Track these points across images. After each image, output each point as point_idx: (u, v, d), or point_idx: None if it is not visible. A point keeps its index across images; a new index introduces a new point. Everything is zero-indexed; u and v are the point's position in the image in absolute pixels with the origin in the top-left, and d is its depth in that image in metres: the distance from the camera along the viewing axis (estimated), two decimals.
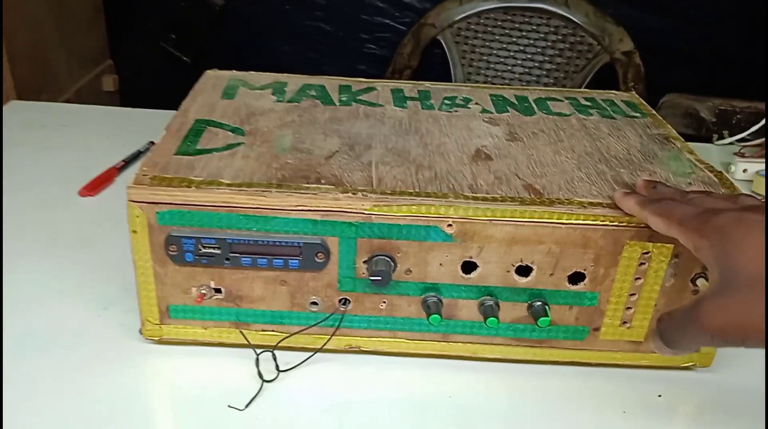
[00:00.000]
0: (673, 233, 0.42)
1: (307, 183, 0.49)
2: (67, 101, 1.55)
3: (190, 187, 0.47)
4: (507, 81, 1.57)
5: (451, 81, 1.56)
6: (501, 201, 0.48)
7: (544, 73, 1.56)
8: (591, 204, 0.48)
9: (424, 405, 0.51)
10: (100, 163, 0.81)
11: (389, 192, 0.48)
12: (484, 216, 0.48)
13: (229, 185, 0.48)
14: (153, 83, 1.76)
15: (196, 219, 0.48)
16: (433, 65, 1.60)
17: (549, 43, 1.54)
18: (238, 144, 0.54)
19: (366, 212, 0.48)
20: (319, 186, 0.48)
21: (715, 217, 0.38)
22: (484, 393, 0.53)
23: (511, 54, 1.57)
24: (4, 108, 0.96)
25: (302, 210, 0.48)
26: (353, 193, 0.48)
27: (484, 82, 1.55)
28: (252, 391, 0.50)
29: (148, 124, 0.92)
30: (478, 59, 1.58)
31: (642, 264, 0.50)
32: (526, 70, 1.58)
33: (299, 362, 0.53)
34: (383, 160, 0.53)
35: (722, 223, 0.37)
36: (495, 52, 1.58)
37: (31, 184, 0.77)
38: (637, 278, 0.50)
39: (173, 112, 0.60)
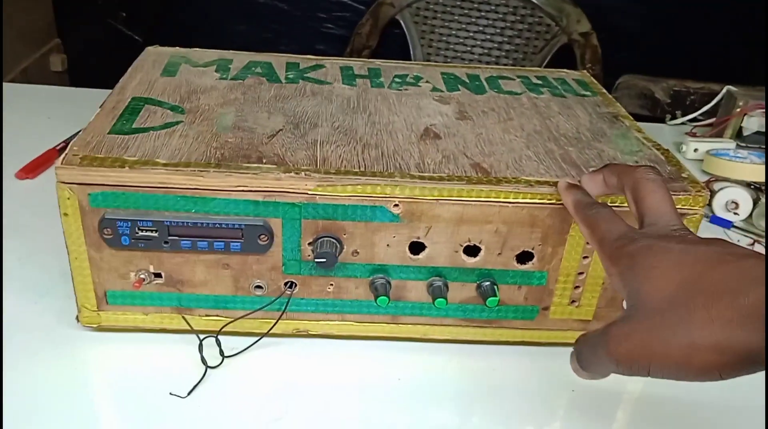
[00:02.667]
0: (593, 247, 0.41)
1: (248, 162, 0.47)
2: (12, 81, 1.49)
3: (124, 167, 0.45)
4: (467, 62, 1.56)
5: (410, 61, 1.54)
6: (448, 180, 0.47)
7: (504, 53, 1.56)
8: (538, 182, 0.48)
9: (374, 388, 0.50)
10: (42, 145, 0.77)
11: (333, 171, 0.47)
12: (431, 196, 0.47)
13: (165, 165, 0.46)
14: (102, 62, 1.69)
15: (131, 200, 0.46)
16: (392, 46, 1.58)
17: (508, 24, 1.53)
18: (177, 122, 0.52)
19: (310, 193, 0.46)
20: (261, 165, 0.47)
21: (629, 244, 0.37)
22: (435, 375, 0.52)
23: (471, 34, 1.56)
24: None
25: (243, 190, 0.46)
26: (296, 173, 0.46)
27: (443, 62, 1.54)
28: (196, 379, 0.49)
29: (95, 104, 0.87)
30: (438, 39, 1.57)
31: (589, 243, 0.49)
32: (486, 50, 1.57)
33: (245, 347, 0.51)
34: (329, 139, 0.52)
35: (633, 251, 0.36)
36: (454, 32, 1.57)
37: None
38: (584, 257, 0.50)
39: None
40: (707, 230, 0.73)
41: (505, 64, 1.54)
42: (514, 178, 0.48)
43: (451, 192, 0.47)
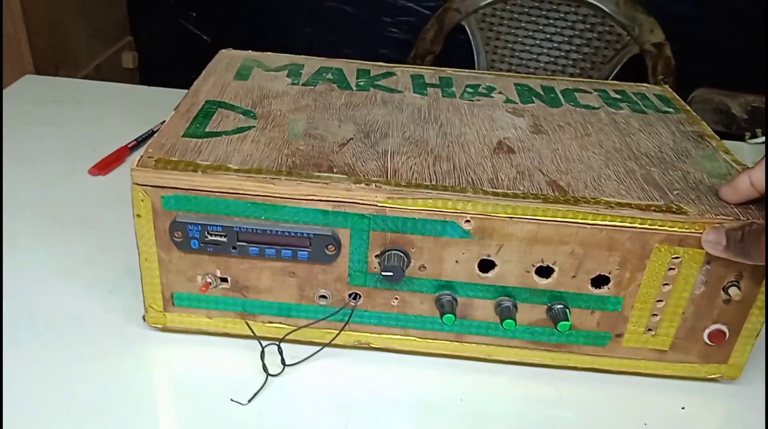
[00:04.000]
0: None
1: (319, 171, 0.46)
2: (86, 77, 1.54)
3: (197, 171, 0.45)
4: (532, 70, 1.53)
5: (474, 68, 1.52)
6: (522, 198, 0.46)
7: (571, 62, 1.52)
8: (618, 204, 0.46)
9: (434, 407, 0.49)
10: (113, 142, 0.79)
11: (404, 184, 0.46)
12: (504, 213, 0.45)
13: (236, 171, 0.46)
14: (172, 61, 1.74)
15: (203, 205, 0.46)
16: (456, 51, 1.56)
17: (576, 32, 1.49)
18: (249, 127, 0.52)
19: (379, 205, 0.45)
20: (331, 175, 0.46)
21: None
22: (498, 397, 0.50)
23: (537, 42, 1.53)
24: (18, 82, 0.95)
25: (313, 199, 0.45)
26: (366, 184, 0.45)
27: (509, 71, 1.51)
28: (256, 385, 0.48)
29: (165, 103, 0.89)
30: (503, 47, 1.54)
31: (671, 269, 0.47)
32: (552, 59, 1.53)
33: (306, 357, 0.51)
34: (400, 149, 0.51)
35: None
36: (521, 39, 1.54)
37: (40, 160, 0.75)
38: (665, 284, 0.47)
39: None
40: None
41: (572, 74, 1.50)
42: (593, 198, 0.46)
43: (525, 210, 0.45)
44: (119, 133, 0.81)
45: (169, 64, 1.80)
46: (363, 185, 0.45)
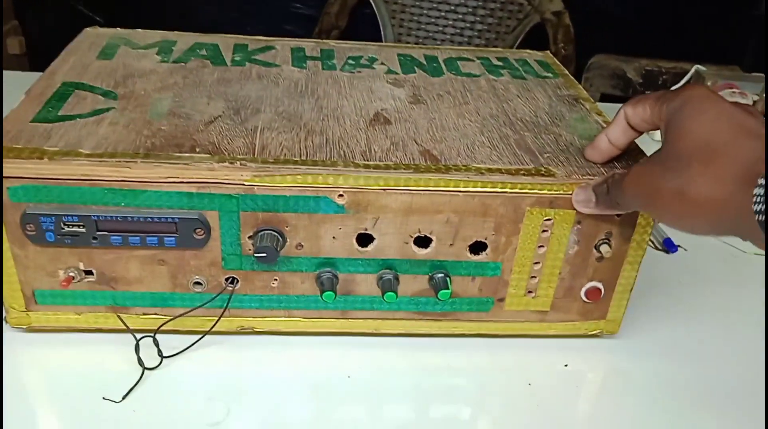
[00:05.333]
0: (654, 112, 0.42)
1: (180, 152, 0.44)
2: None
3: (43, 158, 0.42)
4: (438, 42, 1.53)
5: (381, 42, 1.51)
6: (394, 169, 0.45)
7: (476, 33, 1.53)
8: (489, 170, 0.45)
9: (322, 387, 0.48)
10: None
11: (272, 161, 0.44)
12: (376, 185, 0.44)
13: (88, 156, 0.43)
14: (63, 46, 1.64)
15: (54, 194, 0.43)
16: (362, 26, 1.54)
17: (480, 2, 1.50)
18: (108, 109, 0.48)
19: (246, 183, 0.43)
20: (193, 155, 0.44)
21: (688, 89, 0.40)
22: (388, 370, 0.50)
23: (442, 14, 1.53)
24: None
25: (173, 182, 0.43)
26: (231, 163, 0.43)
27: (416, 44, 1.51)
28: (133, 381, 0.46)
29: None
30: (409, 19, 1.53)
31: (544, 231, 0.47)
32: (458, 30, 1.54)
33: (186, 347, 0.49)
34: (271, 125, 0.49)
35: (689, 94, 0.40)
36: (426, 11, 1.53)
37: None
38: (540, 246, 0.48)
39: None
40: None
41: (477, 45, 1.51)
42: (464, 165, 0.46)
43: (398, 181, 0.44)
44: None
45: (60, 48, 1.70)
46: (227, 164, 0.43)
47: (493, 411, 0.48)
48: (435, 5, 1.52)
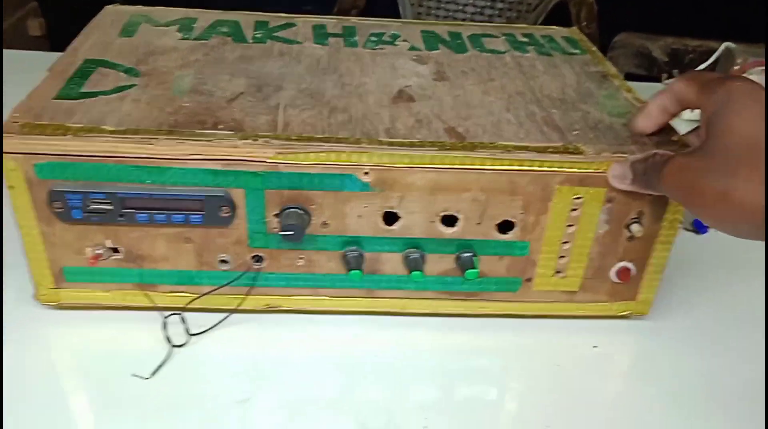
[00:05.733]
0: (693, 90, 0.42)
1: (203, 128, 0.44)
2: None
3: (66, 134, 0.42)
4: (459, 21, 1.51)
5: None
6: (419, 146, 0.44)
7: (497, 12, 1.51)
8: (516, 148, 0.44)
9: (350, 365, 0.48)
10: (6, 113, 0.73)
11: (295, 138, 0.44)
12: (401, 163, 0.44)
13: (111, 132, 0.42)
14: (82, 27, 1.64)
15: (80, 171, 0.43)
16: (381, 5, 1.53)
17: None
18: (130, 86, 0.48)
19: (269, 161, 0.43)
20: (216, 132, 0.43)
21: (729, 81, 0.39)
22: (413, 350, 0.50)
23: None
24: None
25: (197, 159, 0.43)
26: (254, 140, 0.43)
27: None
28: (160, 358, 0.46)
29: None
30: None
31: (574, 210, 0.46)
32: (478, 9, 1.51)
33: (213, 325, 0.49)
34: (293, 102, 0.48)
35: (733, 87, 0.38)
36: None
37: None
38: (569, 225, 0.47)
39: None
40: None
41: (498, 23, 1.49)
42: (491, 143, 0.45)
43: (423, 159, 0.44)
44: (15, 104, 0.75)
45: (80, 29, 1.71)
46: (250, 141, 0.43)
47: (520, 392, 0.47)
48: None
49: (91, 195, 0.43)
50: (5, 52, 0.97)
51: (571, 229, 0.47)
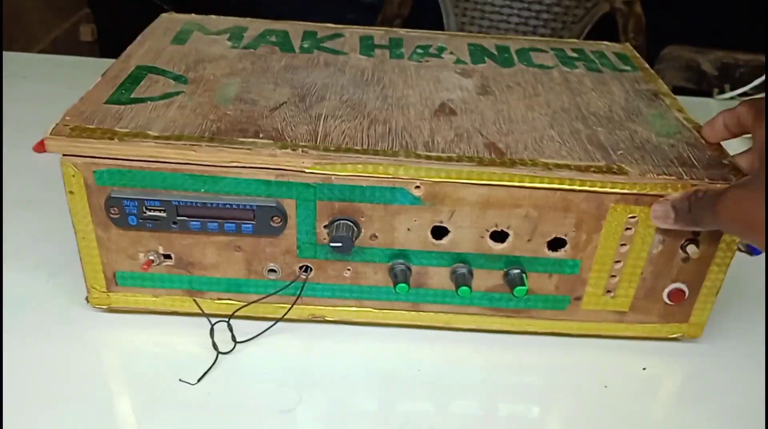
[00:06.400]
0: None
1: (244, 137, 0.44)
2: (42, 52, 1.49)
3: (113, 139, 0.43)
4: (502, 31, 1.50)
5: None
6: (457, 160, 0.44)
7: (541, 23, 1.49)
8: (557, 165, 0.44)
9: (393, 378, 0.48)
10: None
11: (333, 148, 0.44)
12: (448, 177, 0.43)
13: (155, 138, 0.43)
14: (133, 33, 1.69)
15: (138, 179, 0.44)
16: (425, 14, 1.53)
17: None
18: (177, 93, 0.49)
19: (306, 171, 0.43)
20: (256, 140, 0.44)
21: None
22: (457, 365, 0.49)
23: (507, 2, 1.50)
24: None
25: (239, 166, 0.43)
26: (293, 150, 0.43)
27: (479, 33, 1.48)
28: (207, 364, 0.47)
29: None
30: (473, 8, 1.51)
31: (628, 229, 0.45)
32: (523, 20, 1.50)
33: (258, 333, 0.49)
34: (335, 113, 0.48)
35: None
36: (490, 0, 1.50)
37: None
38: (622, 244, 0.46)
39: None
40: None
41: (543, 34, 1.48)
42: (531, 160, 0.44)
43: (459, 174, 0.43)
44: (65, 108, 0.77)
45: (129, 35, 1.75)
46: (289, 151, 0.43)
47: (564, 412, 0.47)
48: None
49: (147, 202, 0.44)
50: (58, 57, 1.01)
51: (624, 249, 0.46)
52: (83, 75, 0.88)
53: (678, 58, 1.42)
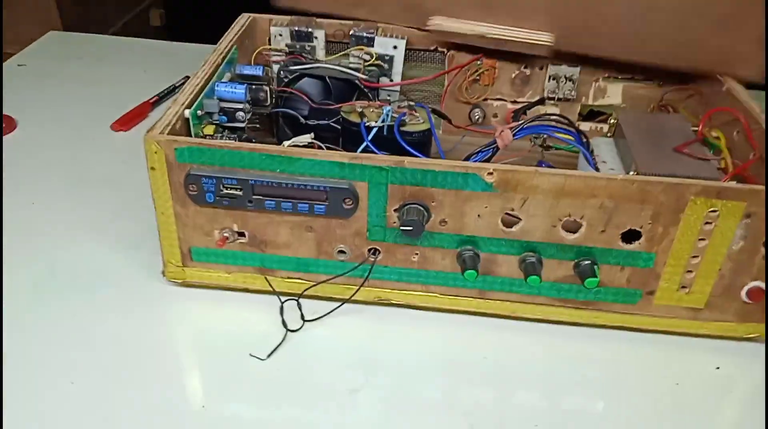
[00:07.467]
0: None
1: None
2: (114, 35, 1.54)
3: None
4: None
5: None
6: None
7: None
8: None
9: (457, 364, 0.48)
10: (135, 98, 0.79)
11: None
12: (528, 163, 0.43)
13: None
14: (198, 17, 1.72)
15: (217, 157, 0.45)
16: None
17: None
18: None
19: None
20: None
21: None
22: (523, 355, 0.49)
23: None
24: (42, 38, 0.94)
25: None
26: None
27: None
28: (275, 340, 0.48)
29: (188, 58, 0.88)
30: None
31: (708, 223, 0.44)
32: None
33: (326, 312, 0.50)
34: None
35: None
36: None
37: (63, 116, 0.75)
38: (700, 239, 0.45)
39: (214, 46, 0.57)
40: None
41: None
42: None
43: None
44: (142, 89, 0.80)
45: (196, 20, 1.79)
46: None
47: (631, 408, 0.46)
48: None
49: (224, 180, 0.45)
50: (128, 40, 1.04)
51: (702, 243, 0.45)
52: (154, 57, 0.92)
53: None
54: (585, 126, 0.65)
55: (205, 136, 0.49)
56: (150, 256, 0.54)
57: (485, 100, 0.66)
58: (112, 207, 0.61)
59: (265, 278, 0.50)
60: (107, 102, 0.78)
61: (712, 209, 0.43)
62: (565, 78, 0.64)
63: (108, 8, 1.54)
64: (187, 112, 0.48)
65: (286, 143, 0.47)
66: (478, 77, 0.64)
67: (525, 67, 0.64)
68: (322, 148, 0.48)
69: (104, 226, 0.59)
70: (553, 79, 0.64)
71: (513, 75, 0.64)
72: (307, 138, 0.47)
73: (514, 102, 0.66)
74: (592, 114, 0.66)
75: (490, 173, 0.44)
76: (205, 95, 0.50)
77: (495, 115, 0.66)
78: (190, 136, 0.48)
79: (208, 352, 0.48)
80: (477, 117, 0.66)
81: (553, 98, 0.65)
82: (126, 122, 0.73)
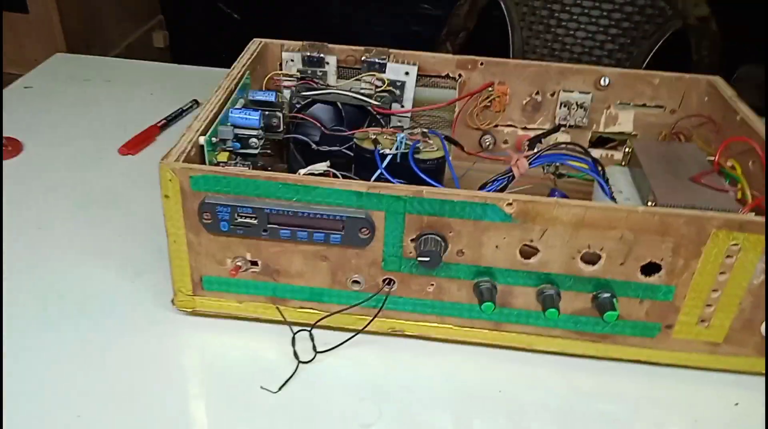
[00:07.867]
0: None
1: None
2: (117, 57, 1.54)
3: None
4: (568, 46, 1.48)
5: (509, 45, 1.48)
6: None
7: (609, 38, 1.46)
8: None
9: (472, 397, 0.47)
10: (143, 121, 0.78)
11: None
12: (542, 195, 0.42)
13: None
14: (202, 40, 1.73)
15: (232, 185, 0.44)
16: (490, 28, 1.52)
17: (615, 6, 1.43)
18: None
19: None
20: None
21: None
22: (539, 389, 0.48)
23: (574, 17, 1.48)
24: (49, 60, 0.94)
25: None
26: None
27: (543, 47, 1.47)
28: (286, 372, 0.47)
29: (195, 82, 0.88)
30: (538, 22, 1.49)
31: (729, 257, 0.44)
32: (589, 34, 1.48)
33: (338, 343, 0.49)
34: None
35: None
36: (556, 14, 1.48)
37: (70, 139, 0.75)
38: (721, 273, 0.44)
39: (221, 69, 0.56)
40: None
41: (610, 50, 1.45)
42: None
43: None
44: (149, 112, 0.80)
45: (199, 42, 1.79)
46: None
47: None
48: (567, 8, 1.47)
49: (239, 209, 0.45)
50: (134, 62, 1.03)
51: (723, 277, 0.44)
52: (160, 79, 0.92)
53: (754, 78, 1.37)
54: (595, 153, 0.65)
55: (218, 163, 0.49)
56: (159, 283, 0.53)
57: (496, 126, 0.65)
58: (120, 232, 0.60)
59: (277, 308, 0.49)
60: (114, 124, 0.78)
61: (734, 243, 0.43)
62: (577, 105, 0.63)
63: (111, 30, 1.54)
64: (201, 139, 0.47)
65: (302, 171, 0.46)
66: (489, 104, 0.64)
67: (536, 94, 0.64)
68: (338, 176, 0.47)
69: (112, 252, 0.58)
70: (565, 106, 0.64)
71: (524, 101, 0.64)
72: (323, 166, 0.47)
73: (525, 128, 0.65)
74: (601, 141, 0.66)
75: (510, 204, 0.43)
76: (220, 122, 0.50)
77: (505, 142, 0.66)
78: (204, 163, 0.48)
79: (217, 384, 0.47)
80: (487, 143, 0.66)
81: (564, 125, 0.64)
82: (134, 146, 0.73)
